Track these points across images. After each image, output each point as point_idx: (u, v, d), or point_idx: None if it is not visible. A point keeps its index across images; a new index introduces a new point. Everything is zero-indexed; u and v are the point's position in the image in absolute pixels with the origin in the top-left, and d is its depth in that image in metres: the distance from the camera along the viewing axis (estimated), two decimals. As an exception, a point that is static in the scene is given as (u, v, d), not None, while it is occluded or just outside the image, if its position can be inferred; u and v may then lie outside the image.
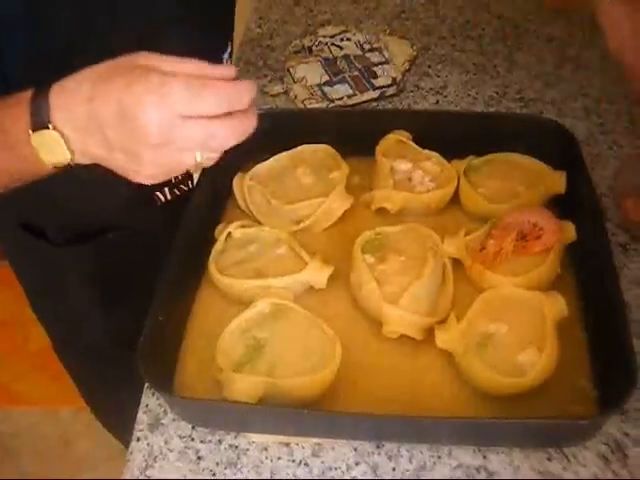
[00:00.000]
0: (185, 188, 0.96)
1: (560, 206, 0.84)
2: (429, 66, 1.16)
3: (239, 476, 0.67)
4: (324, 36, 1.19)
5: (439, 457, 0.67)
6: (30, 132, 0.58)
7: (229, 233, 0.82)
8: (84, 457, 1.79)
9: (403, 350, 0.73)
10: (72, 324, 1.08)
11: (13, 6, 0.69)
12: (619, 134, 1.01)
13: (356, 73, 1.12)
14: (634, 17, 0.76)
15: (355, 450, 0.68)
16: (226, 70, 0.59)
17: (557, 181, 0.84)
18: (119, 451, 1.31)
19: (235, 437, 0.70)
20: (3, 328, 2.04)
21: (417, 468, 0.67)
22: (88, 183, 0.77)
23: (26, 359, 1.95)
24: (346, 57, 1.15)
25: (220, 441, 0.69)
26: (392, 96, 1.10)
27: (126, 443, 0.71)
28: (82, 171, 0.62)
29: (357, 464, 0.67)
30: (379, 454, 0.68)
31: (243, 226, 0.83)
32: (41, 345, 1.64)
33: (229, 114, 0.58)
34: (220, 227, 0.84)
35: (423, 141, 0.89)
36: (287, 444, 0.69)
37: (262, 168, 0.89)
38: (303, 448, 0.69)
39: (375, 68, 1.12)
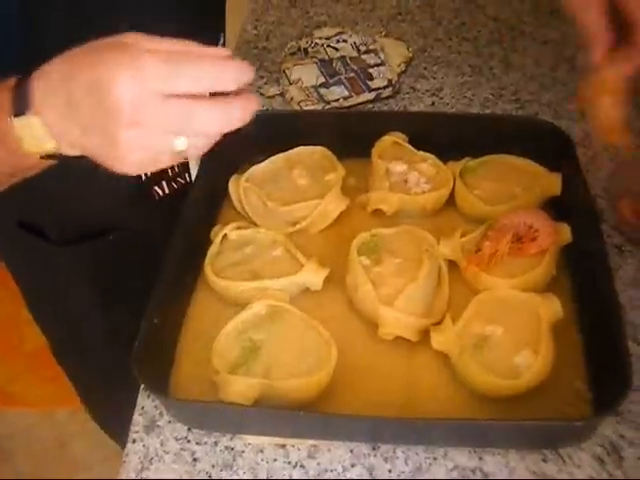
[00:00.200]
0: (182, 181, 0.95)
1: (556, 208, 0.84)
2: (425, 68, 1.16)
3: (235, 478, 0.67)
4: (320, 38, 1.18)
5: (435, 458, 0.67)
6: (12, 119, 0.55)
7: (225, 235, 0.82)
8: (80, 458, 1.79)
9: (399, 352, 0.73)
10: (70, 325, 1.07)
11: (8, 6, 0.69)
12: (614, 136, 1.01)
13: (352, 75, 1.12)
14: None
15: (351, 452, 0.68)
16: (219, 50, 0.53)
17: (553, 183, 0.84)
18: (115, 452, 1.31)
19: (231, 439, 0.70)
20: (-2, 329, 2.04)
21: (413, 470, 0.67)
22: (86, 179, 0.75)
23: (22, 360, 1.94)
24: (342, 59, 1.15)
25: (216, 443, 0.69)
26: (388, 98, 1.10)
27: (123, 444, 0.71)
28: (79, 166, 0.59)
29: (353, 466, 0.67)
30: (375, 456, 0.68)
31: (239, 228, 0.83)
32: (37, 346, 1.65)
33: (220, 97, 0.52)
34: (216, 229, 0.84)
35: (419, 143, 0.89)
36: (283, 446, 0.69)
37: (258, 170, 0.89)
38: (299, 450, 0.69)
39: (371, 70, 1.12)
